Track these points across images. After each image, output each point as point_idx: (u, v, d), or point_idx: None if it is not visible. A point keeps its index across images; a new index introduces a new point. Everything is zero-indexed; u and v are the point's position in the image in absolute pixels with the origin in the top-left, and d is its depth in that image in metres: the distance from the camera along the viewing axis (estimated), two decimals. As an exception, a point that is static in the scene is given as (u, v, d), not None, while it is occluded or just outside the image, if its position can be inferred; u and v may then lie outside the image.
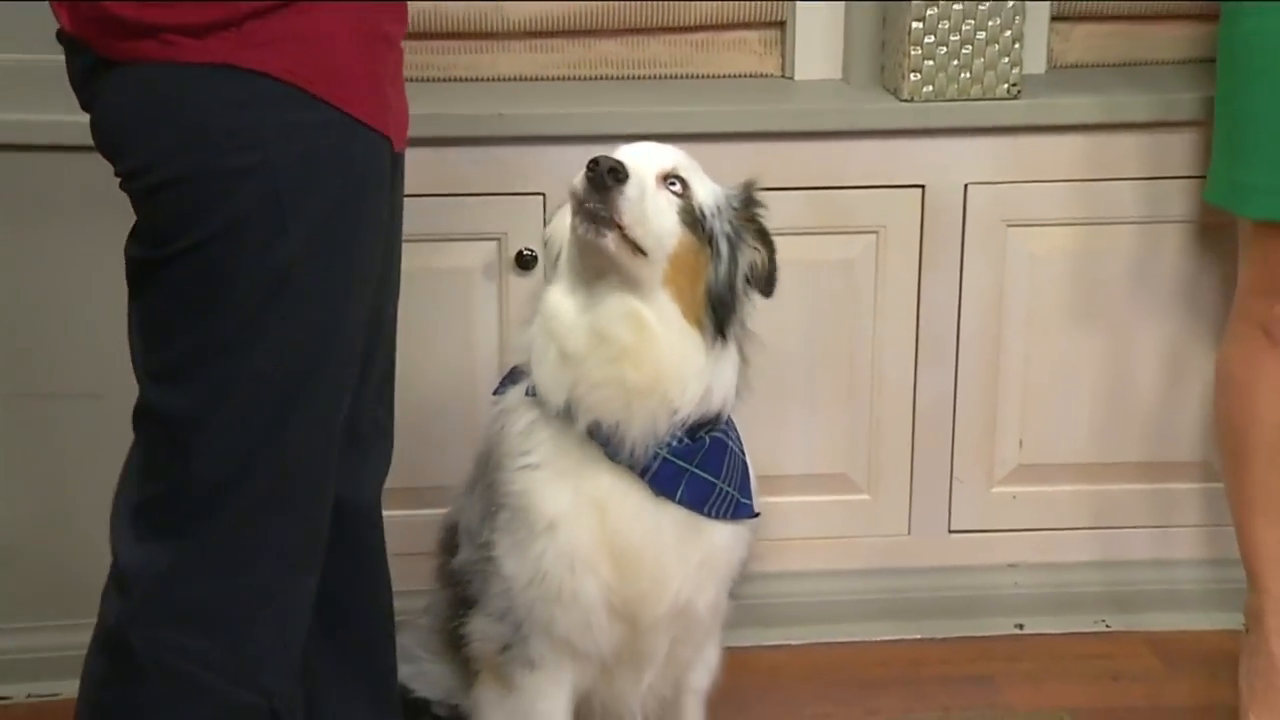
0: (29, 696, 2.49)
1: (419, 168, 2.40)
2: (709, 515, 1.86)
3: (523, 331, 1.91)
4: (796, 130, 2.54)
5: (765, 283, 1.93)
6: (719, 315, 1.85)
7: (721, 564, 1.91)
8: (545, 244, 1.94)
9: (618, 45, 2.64)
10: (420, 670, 2.13)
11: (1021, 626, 2.74)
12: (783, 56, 2.70)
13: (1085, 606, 2.75)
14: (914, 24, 2.50)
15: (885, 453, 2.69)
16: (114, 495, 1.66)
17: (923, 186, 2.59)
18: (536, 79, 2.64)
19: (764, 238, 1.92)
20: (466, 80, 2.61)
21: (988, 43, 2.52)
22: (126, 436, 1.66)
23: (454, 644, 1.98)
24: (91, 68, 1.56)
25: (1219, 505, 2.55)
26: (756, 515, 1.93)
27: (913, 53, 2.51)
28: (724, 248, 1.86)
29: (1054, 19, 2.70)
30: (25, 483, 2.43)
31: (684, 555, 1.86)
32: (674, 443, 1.84)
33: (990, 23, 2.51)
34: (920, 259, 2.62)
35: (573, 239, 1.83)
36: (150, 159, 1.54)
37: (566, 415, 1.83)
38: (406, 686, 2.11)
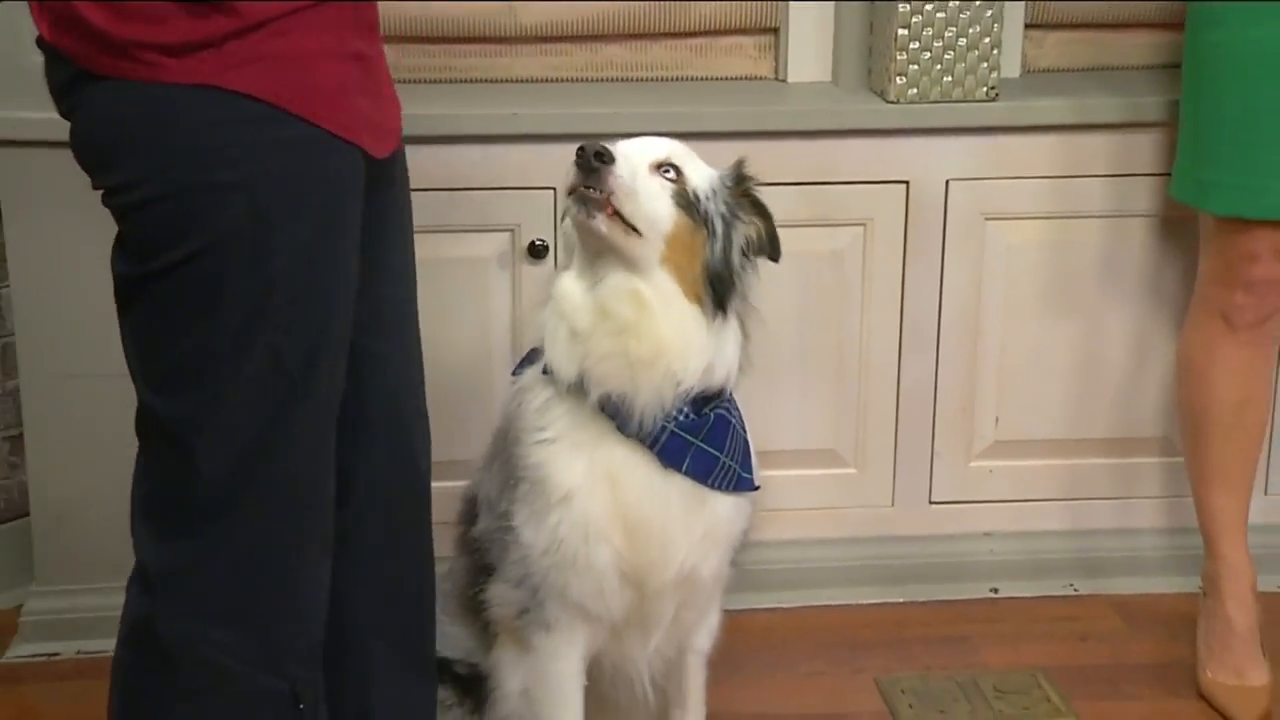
0: (77, 653, 2.50)
1: (439, 164, 2.44)
2: (712, 487, 1.86)
3: (537, 315, 1.92)
4: (789, 129, 2.55)
5: (769, 249, 1.93)
6: (718, 291, 1.86)
7: (724, 534, 1.92)
8: (563, 236, 1.94)
9: (622, 49, 2.65)
10: (441, 632, 2.13)
11: (996, 591, 2.75)
12: (776, 60, 2.70)
13: (1055, 572, 2.76)
14: (899, 30, 2.51)
15: (871, 429, 2.70)
16: (130, 492, 1.64)
17: (907, 182, 2.60)
18: (547, 81, 2.65)
19: (759, 209, 1.92)
20: (482, 82, 2.62)
21: (968, 49, 2.52)
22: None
23: (473, 609, 1.99)
24: (73, 79, 1.53)
25: (1179, 478, 2.58)
26: (757, 488, 1.94)
27: (898, 57, 2.52)
28: (719, 226, 1.86)
29: (1029, 26, 2.70)
30: (72, 457, 2.45)
31: (690, 525, 1.87)
32: (680, 417, 1.84)
33: (970, 30, 2.51)
34: (904, 250, 2.63)
35: (572, 225, 1.85)
36: (135, 176, 1.52)
37: (578, 390, 1.84)
38: (429, 646, 2.13)
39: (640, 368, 1.80)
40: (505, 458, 1.94)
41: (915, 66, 2.53)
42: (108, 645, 2.42)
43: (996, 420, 2.72)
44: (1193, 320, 2.41)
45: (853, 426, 2.70)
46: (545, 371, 1.89)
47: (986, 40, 2.53)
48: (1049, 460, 2.75)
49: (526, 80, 2.64)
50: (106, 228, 1.55)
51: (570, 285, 1.85)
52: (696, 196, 1.85)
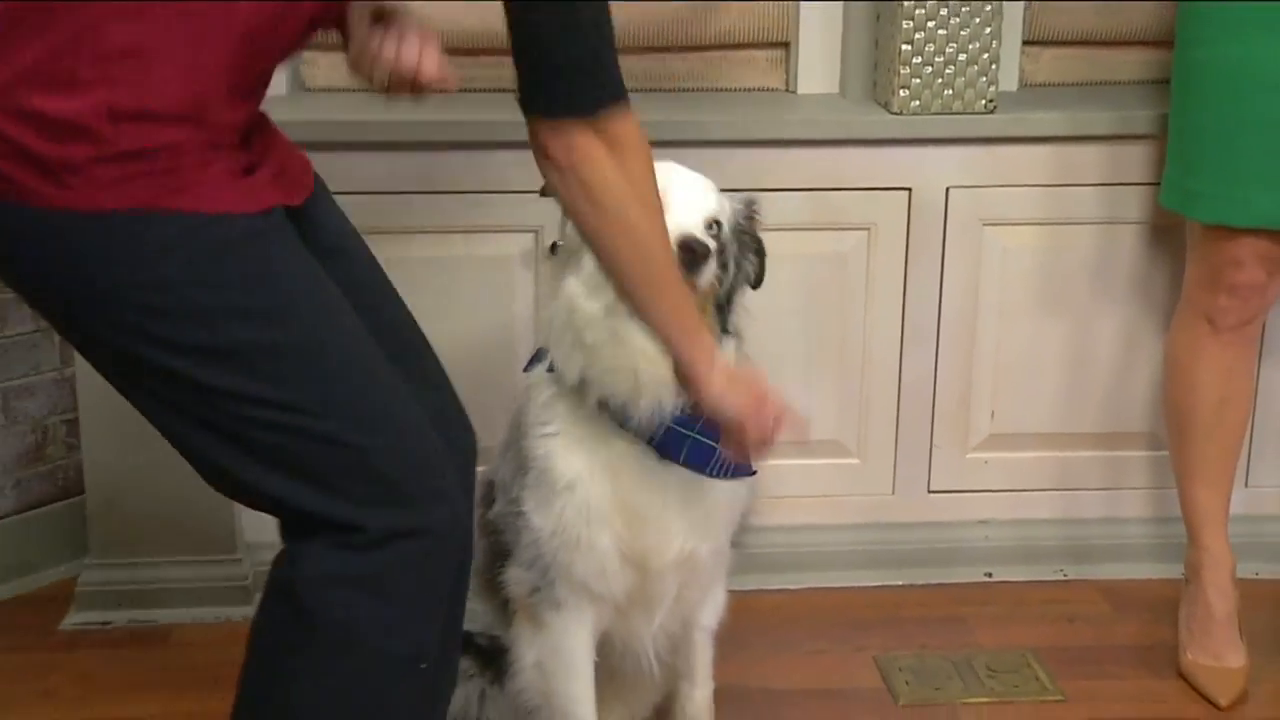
0: (128, 621, 2.52)
1: (469, 168, 2.45)
2: (710, 475, 1.84)
3: (543, 311, 1.92)
4: (798, 138, 2.55)
5: (757, 281, 1.94)
6: (723, 315, 1.87)
7: (722, 518, 1.93)
8: (567, 238, 1.88)
9: (642, 61, 2.65)
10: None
11: (990, 575, 2.74)
12: (787, 73, 2.71)
13: (1046, 558, 2.76)
14: (903, 46, 2.51)
15: (873, 422, 2.70)
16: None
17: (909, 189, 2.60)
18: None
19: (760, 249, 1.92)
20: (512, 91, 2.63)
21: (967, 64, 2.52)
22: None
23: (492, 588, 2.01)
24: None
25: (1164, 471, 2.57)
26: (754, 473, 1.90)
27: (902, 71, 2.52)
28: (732, 265, 1.87)
29: (1026, 43, 2.70)
30: (123, 440, 2.45)
31: (687, 511, 1.88)
32: (676, 412, 1.81)
33: (970, 46, 2.51)
34: (906, 253, 2.63)
35: None
36: (63, 313, 1.49)
37: (580, 390, 1.85)
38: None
39: (647, 384, 1.80)
40: (516, 448, 1.96)
41: (918, 80, 2.53)
42: (157, 614, 2.52)
43: (992, 414, 2.72)
44: (1179, 322, 2.41)
45: (856, 419, 2.70)
46: (550, 369, 1.90)
47: (985, 56, 2.53)
48: (1041, 452, 2.74)
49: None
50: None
51: (582, 298, 1.83)
52: (724, 247, 1.85)
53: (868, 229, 2.61)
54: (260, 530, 2.22)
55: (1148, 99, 2.60)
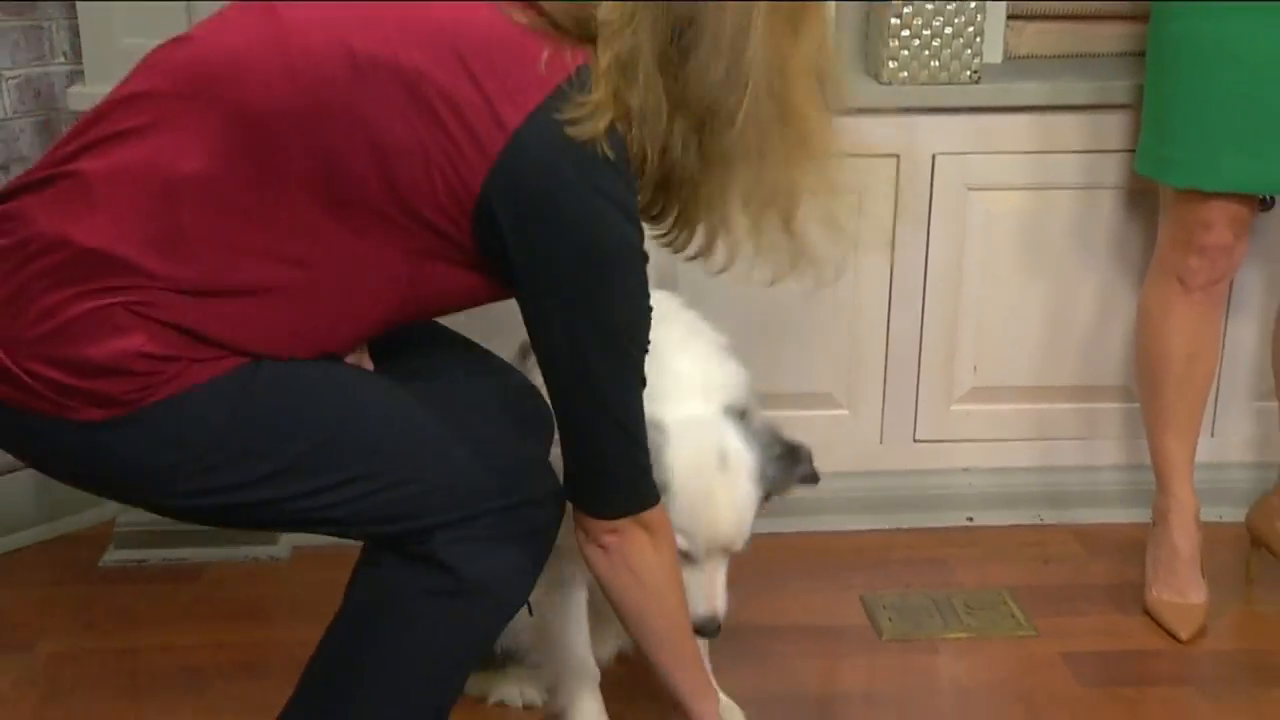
0: (163, 560, 2.55)
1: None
2: None
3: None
4: (793, 107, 2.57)
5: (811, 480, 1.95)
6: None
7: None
8: None
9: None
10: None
11: (971, 519, 2.77)
12: (784, 45, 2.72)
13: (1024, 503, 2.77)
14: (892, 19, 2.51)
15: (862, 376, 2.72)
16: None
17: (897, 156, 2.59)
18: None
19: (800, 455, 1.92)
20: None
21: (953, 36, 2.52)
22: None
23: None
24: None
25: (1136, 422, 2.59)
26: None
27: (891, 44, 2.53)
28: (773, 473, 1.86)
29: (1010, 17, 2.69)
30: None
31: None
32: None
33: (956, 20, 2.51)
34: (895, 216, 2.62)
35: None
36: (123, 497, 1.58)
37: None
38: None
39: None
40: None
41: (906, 52, 2.53)
42: (189, 553, 2.56)
43: (975, 368, 2.73)
44: (1151, 281, 2.42)
45: (846, 372, 2.72)
46: None
47: (970, 29, 2.53)
48: (1021, 405, 2.76)
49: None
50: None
51: None
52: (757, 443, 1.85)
53: (858, 193, 2.58)
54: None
55: (1126, 70, 2.60)
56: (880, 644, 2.35)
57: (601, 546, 1.63)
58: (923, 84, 2.55)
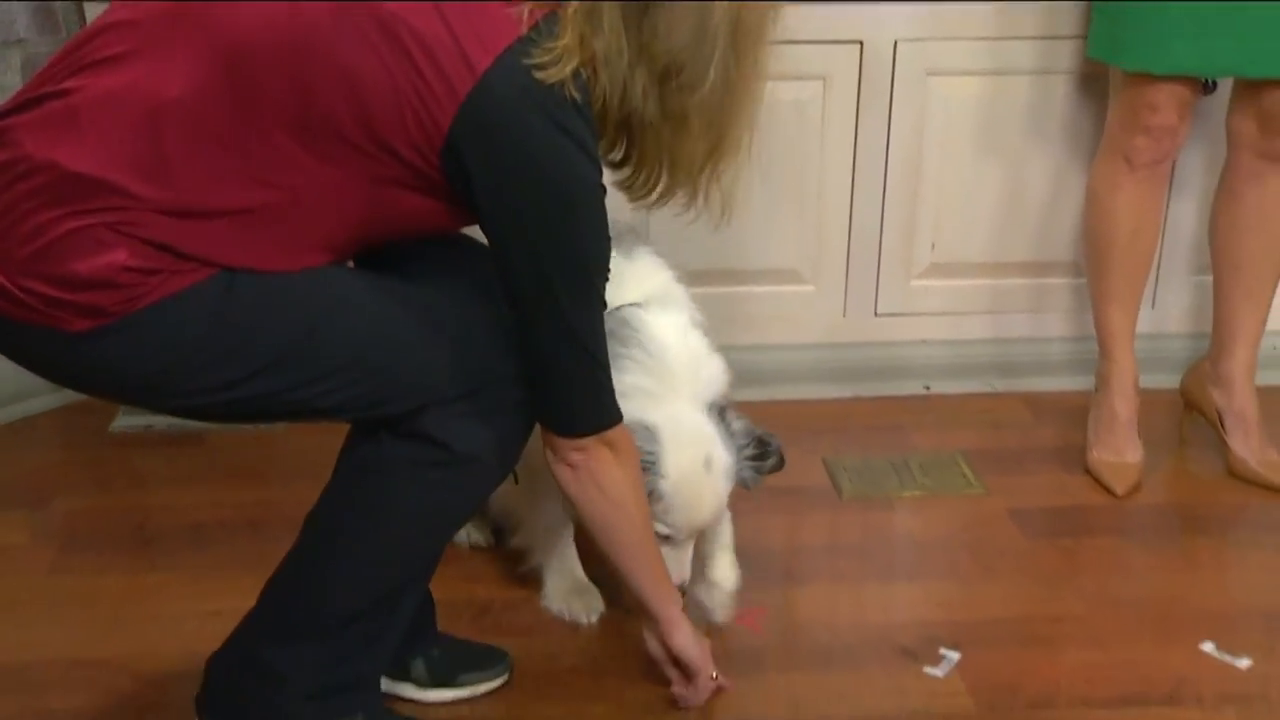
0: (168, 425, 2.58)
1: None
2: None
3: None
4: (762, -6, 2.55)
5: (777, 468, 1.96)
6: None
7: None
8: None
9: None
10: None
11: (928, 388, 2.80)
12: (753, -65, 2.69)
13: (978, 372, 2.81)
14: (855, -91, 2.50)
15: (826, 253, 2.74)
16: None
17: (860, 42, 2.60)
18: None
19: (770, 451, 1.94)
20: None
21: (915, -76, 2.51)
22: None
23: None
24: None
25: (1085, 296, 2.62)
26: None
27: (855, -68, 2.52)
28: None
29: (968, -95, 2.66)
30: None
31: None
32: None
33: (917, -92, 2.51)
34: (858, 100, 2.64)
35: None
36: (116, 398, 1.63)
37: None
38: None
39: None
40: None
41: (869, -60, 2.52)
42: (190, 421, 2.56)
43: (933, 246, 2.76)
44: (1099, 160, 2.44)
45: (811, 250, 2.74)
46: None
47: (932, -82, 2.52)
48: (976, 280, 2.79)
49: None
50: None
51: None
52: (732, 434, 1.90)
53: (822, 79, 2.62)
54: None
55: (1079, -42, 2.59)
56: (841, 502, 2.40)
57: (569, 465, 1.66)
58: (885, -28, 2.54)
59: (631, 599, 1.82)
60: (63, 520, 2.30)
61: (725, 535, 2.01)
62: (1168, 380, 2.64)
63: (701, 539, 1.95)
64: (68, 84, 1.47)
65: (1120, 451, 2.45)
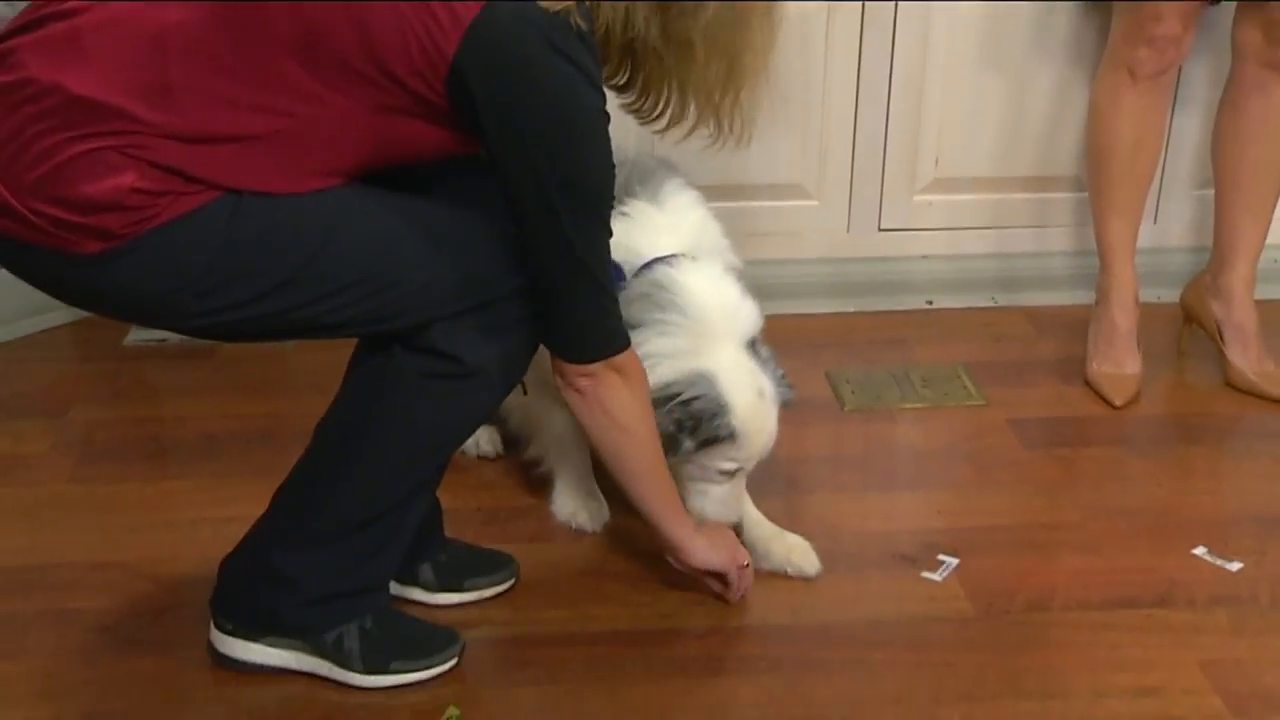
0: (181, 340, 2.54)
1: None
2: None
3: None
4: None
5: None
6: None
7: None
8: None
9: None
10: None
11: (931, 302, 2.79)
12: None
13: (980, 287, 2.79)
14: None
15: (831, 168, 2.71)
16: None
17: (867, -42, 2.55)
18: None
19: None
20: None
21: None
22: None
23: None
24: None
25: (1086, 210, 2.59)
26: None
27: None
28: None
29: None
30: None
31: None
32: None
33: None
34: (862, 15, 2.59)
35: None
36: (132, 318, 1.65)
37: None
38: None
39: None
40: None
41: None
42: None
43: (936, 160, 2.73)
44: (1102, 72, 2.41)
45: (815, 165, 2.71)
46: None
47: None
48: (979, 195, 2.76)
49: None
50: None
51: None
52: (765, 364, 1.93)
53: (829, -6, 2.58)
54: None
55: None
56: (843, 414, 2.40)
57: (578, 390, 1.66)
58: (892, -114, 2.48)
59: (647, 524, 1.83)
60: (81, 430, 2.31)
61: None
62: (1169, 294, 2.62)
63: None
64: (70, 3, 1.45)
65: (1119, 363, 2.44)
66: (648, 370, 1.81)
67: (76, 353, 2.58)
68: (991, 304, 2.79)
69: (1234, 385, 2.45)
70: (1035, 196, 2.77)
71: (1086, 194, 2.56)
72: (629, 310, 1.85)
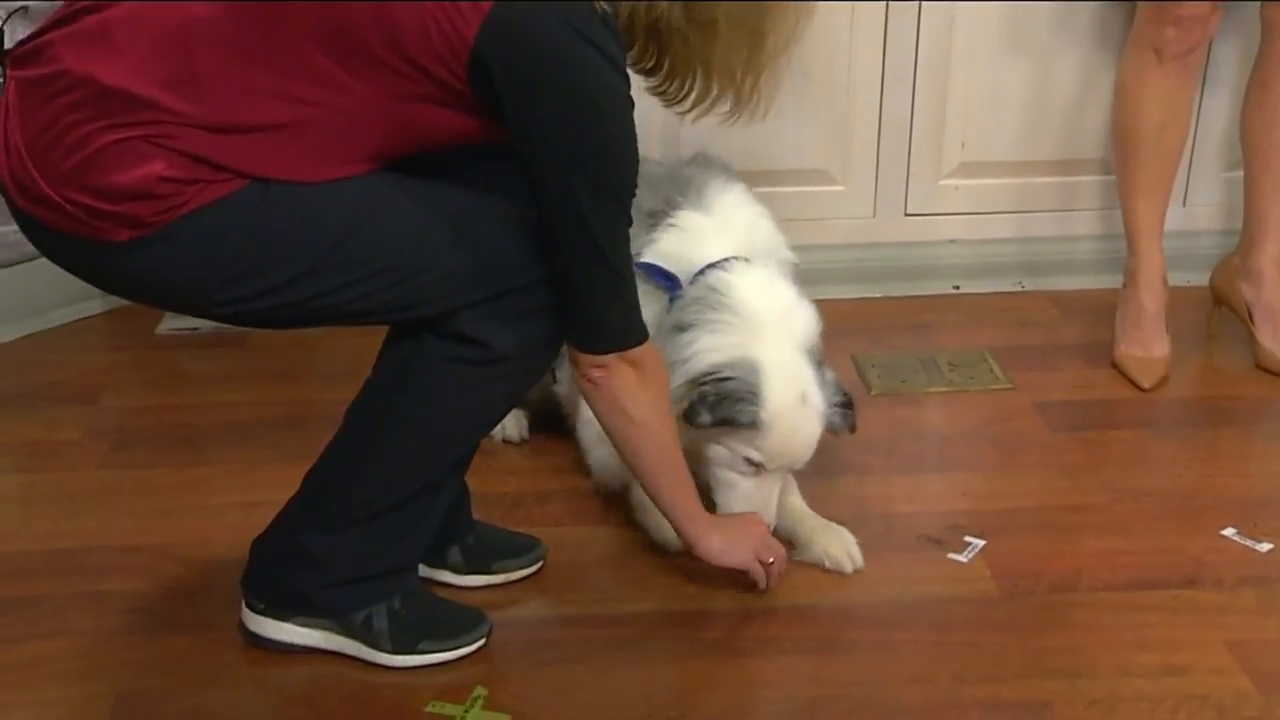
0: (213, 329, 2.54)
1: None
2: None
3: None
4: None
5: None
6: None
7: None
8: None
9: None
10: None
11: (957, 287, 2.79)
12: None
13: (1006, 272, 2.79)
14: None
15: (856, 153, 2.71)
16: None
17: (889, -61, 2.54)
18: None
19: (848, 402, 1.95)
20: None
21: None
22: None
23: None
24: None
25: (1113, 194, 2.58)
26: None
27: None
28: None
29: None
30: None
31: None
32: None
33: None
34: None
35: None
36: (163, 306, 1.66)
37: None
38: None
39: None
40: None
41: None
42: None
43: (963, 145, 2.72)
44: (1128, 53, 2.39)
45: (841, 150, 2.71)
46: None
47: None
48: (1005, 179, 2.75)
49: None
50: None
51: None
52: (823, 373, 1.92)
53: (856, -22, 2.57)
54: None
55: None
56: (869, 398, 2.39)
57: (591, 381, 1.66)
58: None
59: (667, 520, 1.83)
60: (114, 417, 2.34)
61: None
62: (1198, 278, 2.61)
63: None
64: (103, 1, 1.48)
65: (1147, 346, 2.43)
66: (696, 360, 1.83)
67: (109, 342, 2.61)
68: (1017, 288, 2.79)
69: (1264, 367, 2.43)
70: (1061, 180, 2.75)
71: (1113, 178, 2.54)
72: (684, 314, 1.89)
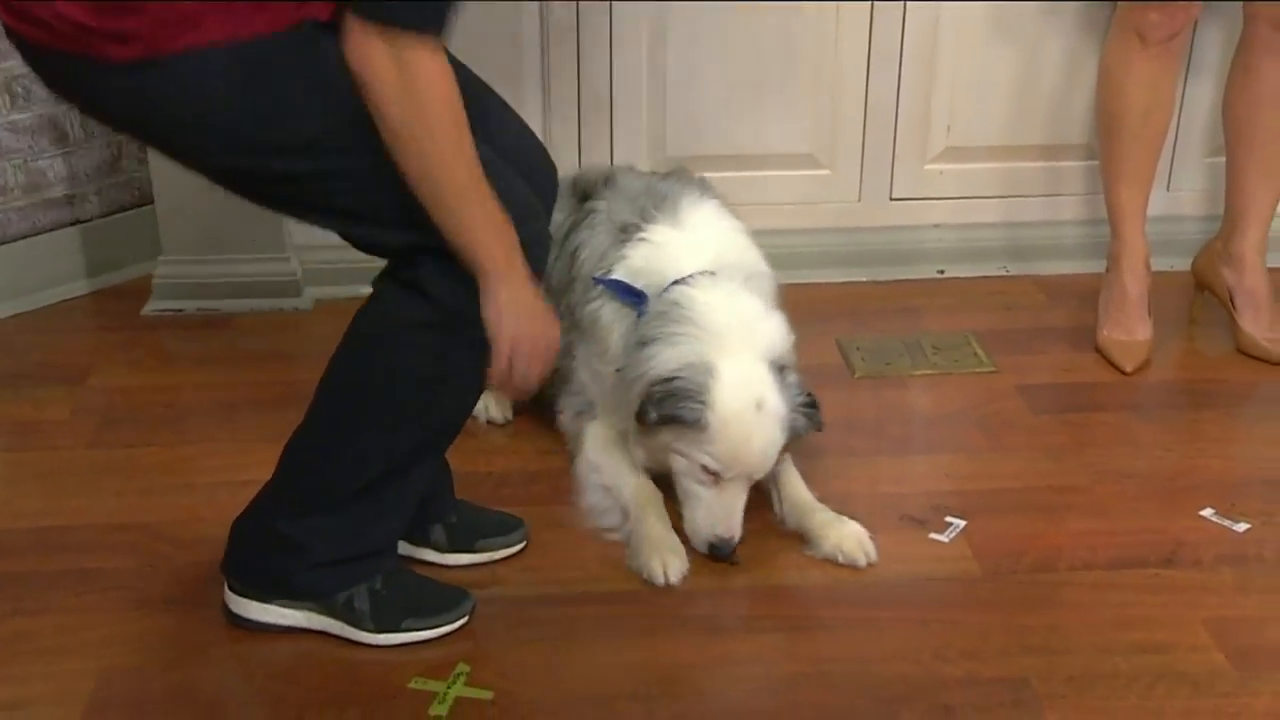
0: (197, 309, 2.63)
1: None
2: None
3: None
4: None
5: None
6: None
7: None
8: None
9: None
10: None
11: (942, 271, 2.79)
12: None
13: (991, 256, 2.80)
14: None
15: (842, 137, 2.71)
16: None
17: (876, -77, 2.54)
18: None
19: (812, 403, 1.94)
20: None
21: None
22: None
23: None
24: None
25: (1097, 179, 2.57)
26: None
27: None
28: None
29: None
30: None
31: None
32: None
33: None
34: (874, -17, 2.60)
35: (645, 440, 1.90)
36: (150, 144, 1.60)
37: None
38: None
39: None
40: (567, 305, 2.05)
41: None
42: (220, 304, 2.62)
43: (948, 129, 2.72)
44: (1112, 37, 2.39)
45: (827, 134, 2.71)
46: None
47: None
48: (991, 164, 2.75)
49: None
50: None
51: None
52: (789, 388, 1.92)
53: (839, -37, 2.57)
54: (307, 234, 2.29)
55: None
56: (853, 380, 2.40)
57: (371, 60, 1.42)
58: None
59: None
60: (100, 397, 2.34)
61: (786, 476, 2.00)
62: (1182, 263, 2.62)
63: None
64: None
65: (1130, 330, 2.44)
66: (653, 372, 1.83)
67: (96, 322, 2.61)
68: (1002, 273, 2.79)
69: (1245, 351, 2.45)
70: (1046, 165, 2.76)
71: (1097, 162, 2.54)
72: (647, 329, 1.89)
